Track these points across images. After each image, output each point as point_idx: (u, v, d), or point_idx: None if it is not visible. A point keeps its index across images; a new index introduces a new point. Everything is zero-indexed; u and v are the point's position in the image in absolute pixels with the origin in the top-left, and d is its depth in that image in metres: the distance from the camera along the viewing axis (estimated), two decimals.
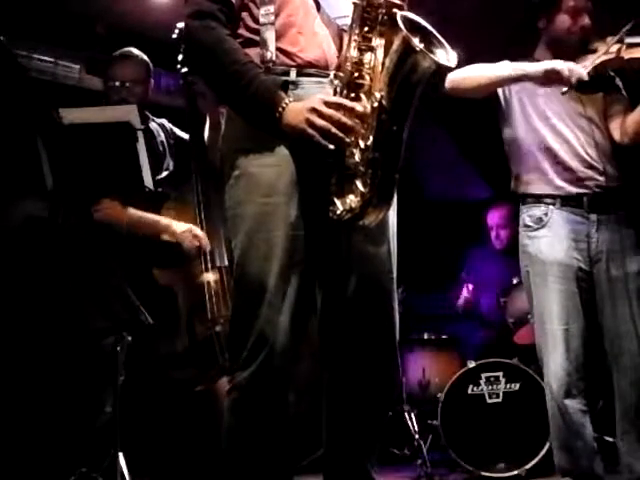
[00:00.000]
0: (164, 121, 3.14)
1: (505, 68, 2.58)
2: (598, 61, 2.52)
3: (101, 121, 2.35)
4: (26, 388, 3.20)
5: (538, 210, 2.65)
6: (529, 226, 2.66)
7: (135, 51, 3.03)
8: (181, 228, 2.88)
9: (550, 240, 2.61)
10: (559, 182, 2.63)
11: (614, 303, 2.57)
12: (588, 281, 2.60)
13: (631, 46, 2.53)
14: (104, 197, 2.85)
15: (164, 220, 2.91)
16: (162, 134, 3.09)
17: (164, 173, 3.05)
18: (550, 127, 2.66)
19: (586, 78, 2.45)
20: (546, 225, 2.62)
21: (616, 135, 2.67)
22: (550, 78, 2.46)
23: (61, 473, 2.72)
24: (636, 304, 2.57)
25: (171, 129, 3.15)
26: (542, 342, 2.62)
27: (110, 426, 2.68)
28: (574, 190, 2.62)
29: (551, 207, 2.63)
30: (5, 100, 2.32)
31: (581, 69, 2.45)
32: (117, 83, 2.94)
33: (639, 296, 2.59)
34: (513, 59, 2.66)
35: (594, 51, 2.60)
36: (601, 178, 2.61)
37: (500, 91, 2.71)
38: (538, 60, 2.71)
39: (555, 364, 2.55)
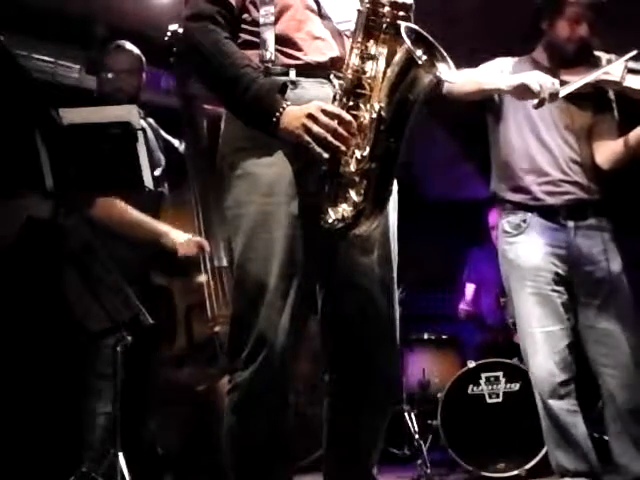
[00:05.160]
0: (151, 120, 3.15)
1: (483, 81, 2.58)
2: (591, 79, 2.51)
3: (101, 121, 2.34)
4: (26, 388, 3.20)
5: (516, 217, 2.67)
6: (508, 232, 2.69)
7: (128, 44, 3.07)
8: (179, 238, 2.87)
9: (528, 246, 2.63)
10: (538, 194, 2.64)
11: (599, 304, 2.59)
12: (567, 285, 2.62)
13: (631, 72, 2.52)
14: (101, 196, 2.86)
15: (163, 227, 2.91)
16: (150, 131, 3.10)
17: (158, 170, 3.05)
18: (536, 136, 2.67)
19: (560, 95, 2.43)
20: (524, 232, 2.65)
21: (597, 157, 2.68)
22: (521, 93, 2.46)
23: (61, 473, 2.72)
24: (621, 304, 2.58)
25: (157, 128, 3.15)
26: (524, 345, 2.64)
27: (110, 426, 2.68)
28: (552, 201, 2.63)
29: (529, 214, 2.65)
30: (5, 100, 2.31)
31: (556, 85, 2.42)
32: (110, 75, 2.97)
33: (623, 296, 2.60)
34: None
35: (595, 63, 2.59)
36: (581, 193, 2.63)
37: (496, 95, 2.71)
38: (535, 60, 2.72)
39: (537, 367, 2.58)
